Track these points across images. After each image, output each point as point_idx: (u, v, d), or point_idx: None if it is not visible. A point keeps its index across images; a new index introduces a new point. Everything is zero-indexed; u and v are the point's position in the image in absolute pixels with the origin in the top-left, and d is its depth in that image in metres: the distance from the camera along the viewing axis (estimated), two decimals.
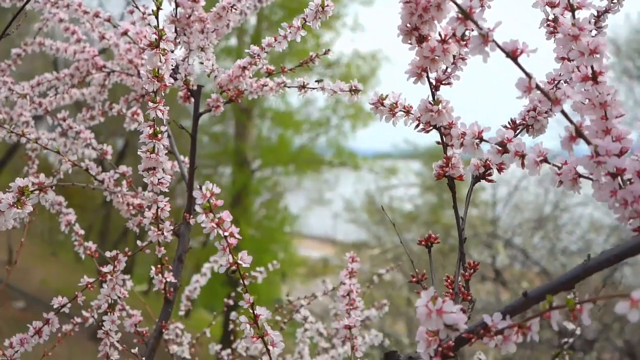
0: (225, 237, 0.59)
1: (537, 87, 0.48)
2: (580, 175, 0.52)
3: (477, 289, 7.35)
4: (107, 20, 1.06)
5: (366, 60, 10.06)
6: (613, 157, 0.48)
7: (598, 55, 0.51)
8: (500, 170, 0.64)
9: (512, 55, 0.48)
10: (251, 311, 0.62)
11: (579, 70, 0.52)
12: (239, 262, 0.61)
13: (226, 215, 0.60)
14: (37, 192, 0.65)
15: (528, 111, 0.65)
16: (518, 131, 0.66)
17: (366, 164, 11.09)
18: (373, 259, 7.54)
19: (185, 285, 1.43)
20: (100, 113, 1.16)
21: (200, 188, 0.58)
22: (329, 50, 0.95)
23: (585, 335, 5.97)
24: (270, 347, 0.62)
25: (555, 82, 0.66)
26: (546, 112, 0.65)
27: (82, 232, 1.07)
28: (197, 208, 0.59)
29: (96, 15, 1.06)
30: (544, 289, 0.48)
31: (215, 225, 0.59)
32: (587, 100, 0.54)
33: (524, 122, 0.65)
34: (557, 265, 6.32)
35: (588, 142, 0.49)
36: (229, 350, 1.35)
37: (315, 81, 0.91)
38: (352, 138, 11.33)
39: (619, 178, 0.49)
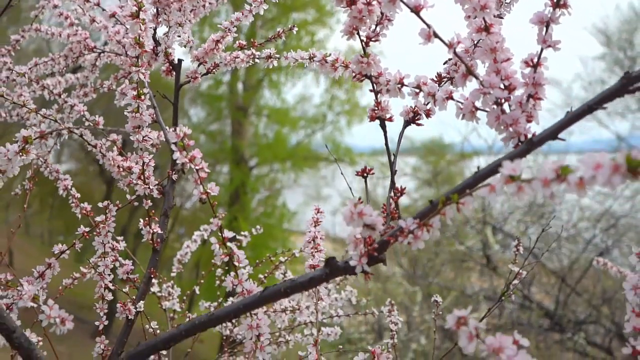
0: (197, 170, 0.72)
1: (435, 35, 0.61)
2: (477, 108, 0.65)
3: (468, 276, 7.51)
4: (97, 5, 1.18)
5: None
6: (496, 89, 0.61)
7: (488, 10, 0.63)
8: (427, 115, 0.77)
9: (415, 9, 0.61)
10: (220, 234, 0.75)
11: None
12: (209, 191, 0.73)
13: (197, 153, 0.72)
14: (38, 139, 0.78)
15: (451, 65, 0.78)
16: (443, 82, 0.78)
17: (363, 160, 11.20)
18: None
19: (187, 289, 1.55)
20: (93, 90, 1.28)
21: (175, 130, 0.71)
22: (294, 26, 1.08)
23: (575, 316, 6.12)
24: (236, 264, 0.75)
25: (474, 41, 0.78)
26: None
27: (78, 195, 1.19)
28: (173, 147, 0.71)
29: (86, 0, 1.18)
30: (443, 195, 0.60)
31: (188, 161, 0.71)
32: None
33: (448, 74, 0.78)
34: (548, 251, 6.47)
35: (477, 78, 0.62)
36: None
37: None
38: (348, 134, 11.45)
39: (502, 107, 0.62)
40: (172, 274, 1.47)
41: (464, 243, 6.29)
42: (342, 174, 1.04)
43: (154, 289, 1.36)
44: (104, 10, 1.16)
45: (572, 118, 0.57)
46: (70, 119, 1.26)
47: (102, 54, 1.27)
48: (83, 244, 1.09)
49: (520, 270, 1.20)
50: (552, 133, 0.57)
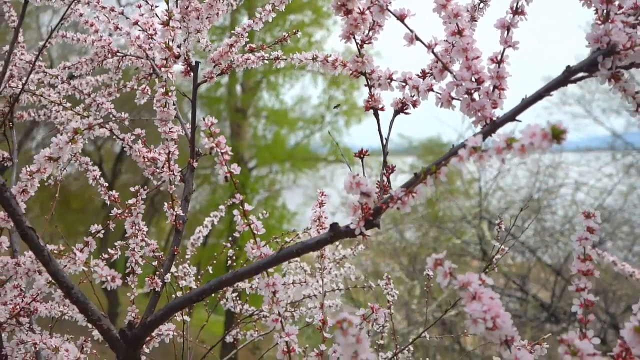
0: (222, 153, 0.86)
1: (417, 38, 0.75)
2: (452, 97, 0.79)
3: (466, 271, 7.65)
4: (121, 13, 1.32)
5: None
6: (467, 81, 0.75)
7: (460, 17, 0.77)
8: (414, 105, 0.91)
9: (401, 18, 0.75)
10: (241, 207, 0.89)
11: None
12: (232, 170, 0.87)
13: (222, 139, 0.86)
14: (87, 130, 0.92)
15: (433, 63, 0.92)
16: (428, 77, 0.92)
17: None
18: (374, 250, 7.84)
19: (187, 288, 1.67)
20: (116, 90, 1.42)
21: (204, 119, 0.85)
22: (297, 30, 1.22)
23: (570, 309, 6.27)
24: (255, 232, 0.89)
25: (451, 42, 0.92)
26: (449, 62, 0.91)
27: (106, 184, 1.33)
28: (202, 134, 0.85)
29: (112, 9, 1.32)
30: (426, 167, 0.75)
31: (214, 145, 0.85)
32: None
33: (430, 70, 0.92)
34: (542, 244, 6.65)
35: (451, 72, 0.76)
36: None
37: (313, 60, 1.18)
38: (346, 134, 11.59)
39: (473, 96, 0.76)
40: (187, 257, 1.61)
41: (461, 238, 6.44)
42: (344, 160, 1.18)
43: (172, 269, 1.50)
44: (127, 18, 1.30)
45: (526, 104, 0.71)
46: (97, 115, 1.40)
47: (124, 57, 1.41)
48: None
49: (502, 247, 1.34)
50: (511, 116, 0.72)
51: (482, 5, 0.95)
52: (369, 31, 0.85)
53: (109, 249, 1.35)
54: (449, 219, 7.88)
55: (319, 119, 11.88)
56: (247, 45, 1.21)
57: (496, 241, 1.39)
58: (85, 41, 1.45)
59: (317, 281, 1.41)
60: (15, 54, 1.44)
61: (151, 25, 1.28)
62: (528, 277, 6.65)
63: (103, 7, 1.32)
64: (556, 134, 0.53)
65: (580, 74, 0.70)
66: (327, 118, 11.84)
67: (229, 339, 1.63)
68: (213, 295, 1.57)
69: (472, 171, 8.40)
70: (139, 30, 1.33)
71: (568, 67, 0.69)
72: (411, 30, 0.75)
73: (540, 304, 6.01)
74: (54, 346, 0.97)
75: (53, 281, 0.95)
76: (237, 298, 1.63)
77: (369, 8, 0.80)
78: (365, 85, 0.88)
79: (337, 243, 1.81)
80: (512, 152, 0.57)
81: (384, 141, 0.90)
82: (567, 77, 0.69)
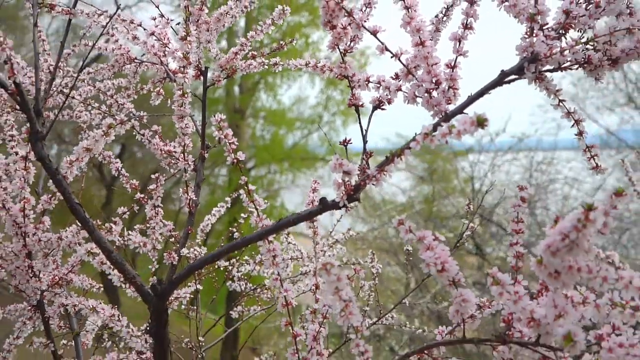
0: (230, 143, 1.06)
1: (386, 48, 0.95)
2: (416, 96, 0.98)
3: (461, 266, 7.85)
4: (139, 25, 1.52)
5: (355, 57, 10.56)
6: (427, 82, 0.95)
7: (421, 32, 0.97)
8: (389, 102, 1.11)
9: (374, 32, 0.95)
10: (246, 187, 1.08)
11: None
12: (238, 157, 1.07)
13: (229, 131, 1.06)
14: (119, 125, 1.11)
15: (402, 68, 1.11)
16: (398, 79, 1.12)
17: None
18: (371, 246, 8.03)
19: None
20: (134, 92, 1.62)
21: (214, 116, 1.04)
22: (292, 39, 1.42)
23: None
24: (257, 207, 1.08)
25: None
26: (415, 67, 1.11)
27: (127, 174, 1.52)
28: (213, 127, 1.04)
29: (131, 21, 1.52)
30: (391, 151, 0.94)
31: (223, 137, 1.05)
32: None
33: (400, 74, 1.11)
34: (535, 238, 6.86)
35: (413, 76, 0.95)
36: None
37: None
38: (344, 134, 11.79)
39: (432, 94, 0.95)
40: (197, 241, 1.81)
41: (454, 232, 6.64)
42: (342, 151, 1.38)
43: (184, 251, 1.69)
44: (145, 29, 1.50)
45: (471, 100, 0.90)
46: (119, 114, 1.60)
47: (141, 64, 1.61)
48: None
49: (472, 225, 1.54)
50: (459, 110, 0.91)
51: (445, 18, 1.15)
52: (350, 42, 1.05)
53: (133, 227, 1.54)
54: (443, 215, 8.09)
55: (317, 119, 12.06)
56: (250, 53, 1.41)
57: (466, 220, 1.58)
58: (106, 49, 1.64)
59: (313, 261, 1.61)
60: (47, 60, 1.63)
61: (165, 35, 1.48)
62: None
63: (123, 20, 1.52)
64: (480, 122, 0.73)
65: (513, 76, 0.89)
66: (325, 118, 12.01)
67: (234, 314, 1.82)
68: (222, 267, 1.76)
69: (465, 168, 8.60)
70: (155, 39, 1.52)
71: (502, 70, 0.89)
72: (382, 43, 0.95)
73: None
74: (91, 306, 1.17)
75: (91, 251, 1.14)
76: (243, 277, 1.82)
77: (349, 24, 1.00)
78: (348, 86, 1.08)
79: (330, 229, 2.01)
80: (452, 135, 0.77)
81: (364, 132, 1.09)
82: (502, 78, 0.89)
